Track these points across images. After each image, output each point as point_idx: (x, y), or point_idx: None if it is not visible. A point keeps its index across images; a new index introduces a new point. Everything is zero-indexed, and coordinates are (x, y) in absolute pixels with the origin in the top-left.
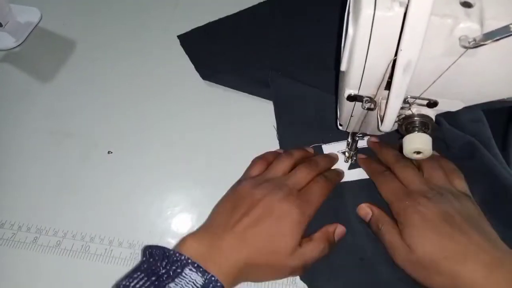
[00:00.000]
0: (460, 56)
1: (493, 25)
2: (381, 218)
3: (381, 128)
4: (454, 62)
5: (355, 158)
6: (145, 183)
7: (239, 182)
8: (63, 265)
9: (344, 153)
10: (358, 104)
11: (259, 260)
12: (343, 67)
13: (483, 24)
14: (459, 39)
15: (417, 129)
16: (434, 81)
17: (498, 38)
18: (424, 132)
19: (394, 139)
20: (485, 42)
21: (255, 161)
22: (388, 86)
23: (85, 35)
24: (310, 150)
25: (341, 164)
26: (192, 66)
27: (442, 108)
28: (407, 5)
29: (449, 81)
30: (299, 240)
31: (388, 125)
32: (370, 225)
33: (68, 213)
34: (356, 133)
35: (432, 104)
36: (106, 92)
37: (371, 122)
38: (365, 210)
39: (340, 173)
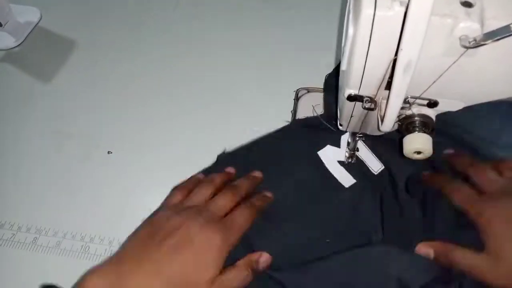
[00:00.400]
0: (460, 56)
1: (493, 25)
2: (445, 248)
3: (381, 128)
4: (454, 62)
5: (354, 158)
6: (145, 183)
7: (155, 212)
8: (63, 265)
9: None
10: (358, 104)
11: None
12: (343, 67)
13: (484, 24)
14: (460, 38)
15: (417, 129)
16: (435, 81)
17: (498, 38)
18: (425, 132)
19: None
20: (486, 42)
21: (174, 190)
22: (389, 86)
23: (85, 35)
24: (231, 170)
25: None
26: (192, 66)
27: (442, 108)
28: (408, 5)
29: (450, 81)
30: (220, 268)
31: (388, 125)
32: (439, 262)
33: (68, 213)
34: (357, 133)
35: (432, 104)
36: (105, 92)
37: (371, 122)
38: (424, 249)
39: (265, 198)
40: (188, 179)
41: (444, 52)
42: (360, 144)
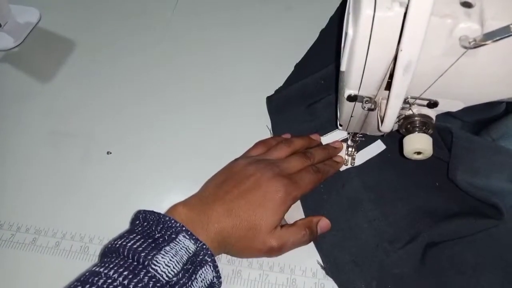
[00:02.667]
0: (460, 57)
1: (493, 25)
2: None
3: (381, 129)
4: (454, 63)
5: (355, 158)
6: (144, 183)
7: (236, 159)
8: (62, 266)
9: (346, 141)
10: (358, 104)
11: (240, 232)
12: (343, 68)
13: (484, 24)
14: (459, 39)
15: (417, 129)
16: (435, 82)
17: (498, 38)
18: (425, 132)
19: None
20: (485, 43)
21: (256, 144)
22: (388, 87)
23: (84, 35)
24: (316, 138)
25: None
26: (191, 66)
27: (442, 108)
28: (407, 5)
29: (449, 82)
30: (280, 219)
31: (388, 125)
32: None
33: (67, 213)
34: (357, 133)
35: (432, 104)
36: (105, 92)
37: (371, 123)
38: None
39: (335, 165)
40: (273, 136)
41: (444, 52)
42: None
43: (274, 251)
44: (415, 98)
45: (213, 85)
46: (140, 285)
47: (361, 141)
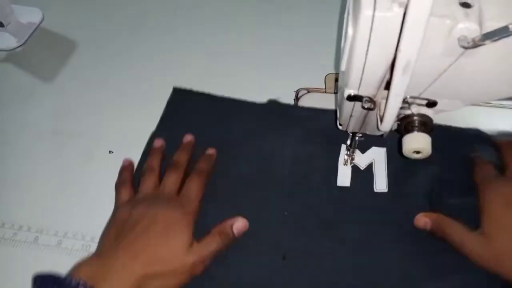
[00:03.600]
0: (459, 57)
1: (492, 25)
2: (443, 221)
3: (380, 128)
4: (453, 63)
5: (353, 160)
6: None
7: (114, 212)
8: (64, 264)
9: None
10: (358, 104)
11: (154, 268)
12: (343, 67)
13: (482, 24)
14: (458, 39)
15: (416, 128)
16: (434, 81)
17: (497, 38)
18: (424, 131)
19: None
20: (484, 43)
21: (118, 187)
22: (388, 86)
23: (87, 35)
24: (159, 143)
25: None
26: (191, 66)
27: (441, 108)
28: (407, 6)
29: (448, 81)
30: (190, 237)
31: (388, 125)
32: (434, 232)
33: (69, 212)
34: (356, 133)
35: (431, 104)
36: (107, 92)
37: (370, 122)
38: (423, 219)
39: (209, 157)
40: (122, 171)
41: (443, 52)
42: (381, 157)
43: (197, 268)
44: (414, 98)
45: (214, 85)
46: None
47: (360, 140)
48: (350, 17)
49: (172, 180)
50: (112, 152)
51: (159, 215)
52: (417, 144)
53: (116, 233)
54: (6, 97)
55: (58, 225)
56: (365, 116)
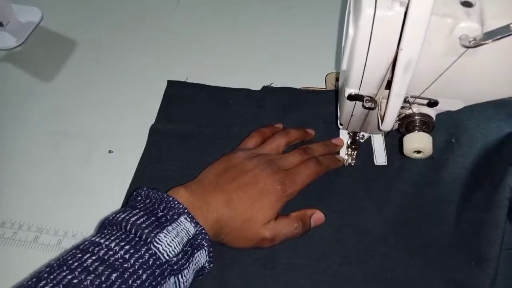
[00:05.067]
0: (460, 56)
1: (493, 24)
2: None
3: (381, 128)
4: (454, 62)
5: (355, 157)
6: None
7: (234, 151)
8: None
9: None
10: (359, 103)
11: (236, 222)
12: (343, 67)
13: (484, 23)
14: (460, 38)
15: (417, 128)
16: (435, 81)
17: (498, 37)
18: (425, 131)
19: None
20: (486, 42)
21: (252, 134)
22: (389, 86)
23: (86, 34)
24: (311, 132)
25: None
26: (191, 66)
27: (442, 107)
28: (408, 5)
29: (450, 81)
30: (275, 214)
31: (389, 124)
32: None
33: (69, 212)
34: (357, 132)
35: (432, 103)
36: (106, 91)
37: (371, 122)
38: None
39: (336, 160)
40: (268, 126)
41: (444, 51)
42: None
43: (267, 242)
44: (415, 97)
45: (213, 84)
46: (140, 260)
47: (361, 140)
48: (351, 16)
49: (295, 160)
50: (112, 152)
51: (263, 177)
52: (418, 143)
53: (223, 171)
54: (5, 96)
55: (58, 225)
56: (366, 116)
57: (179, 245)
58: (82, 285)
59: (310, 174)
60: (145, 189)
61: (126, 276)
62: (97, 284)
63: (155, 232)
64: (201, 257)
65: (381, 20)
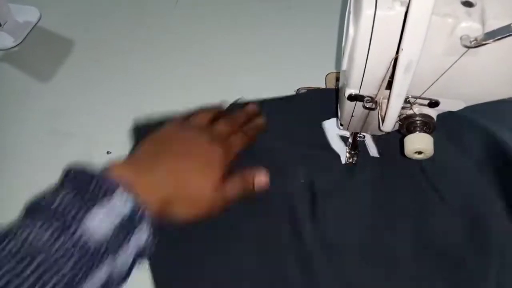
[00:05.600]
0: (461, 56)
1: (494, 24)
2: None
3: (382, 128)
4: (455, 62)
5: (356, 158)
6: None
7: (163, 128)
8: None
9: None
10: (359, 104)
11: (183, 192)
12: (344, 67)
13: (485, 23)
14: (461, 38)
15: (418, 129)
16: (436, 81)
17: (499, 37)
18: (426, 132)
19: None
20: (487, 42)
21: (176, 117)
22: (389, 86)
23: (84, 34)
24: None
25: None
26: (191, 66)
27: (443, 108)
28: (408, 5)
29: (451, 81)
30: (219, 179)
31: (389, 125)
32: None
33: None
34: (358, 133)
35: (433, 103)
36: (104, 92)
37: (372, 122)
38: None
39: (258, 125)
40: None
41: (445, 51)
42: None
43: (217, 207)
44: (416, 98)
45: (213, 85)
46: (67, 244)
47: (361, 140)
48: (351, 16)
49: (224, 127)
50: (110, 153)
51: (204, 145)
52: (419, 144)
53: (158, 145)
54: (3, 96)
55: None
56: (367, 116)
57: (113, 223)
58: None
59: (241, 143)
60: (72, 167)
61: (50, 263)
62: (15, 273)
63: (82, 211)
64: (142, 234)
65: (381, 20)
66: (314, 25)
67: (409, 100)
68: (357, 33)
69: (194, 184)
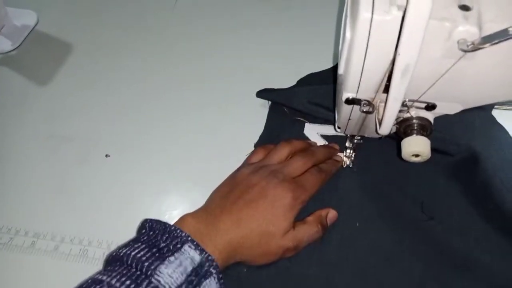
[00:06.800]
0: (458, 60)
1: (491, 28)
2: None
3: (379, 131)
4: (452, 66)
5: (353, 160)
6: (143, 186)
7: (238, 169)
8: (61, 269)
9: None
10: (356, 107)
11: (252, 240)
12: (341, 71)
13: (482, 27)
14: (458, 42)
15: (415, 132)
16: (433, 85)
17: (496, 41)
18: (423, 135)
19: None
20: (484, 46)
21: (256, 150)
22: (386, 90)
23: (82, 37)
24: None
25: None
26: (190, 68)
27: (440, 111)
28: (405, 9)
29: (448, 84)
30: (292, 223)
31: (386, 128)
32: None
33: (66, 217)
34: (355, 136)
35: (430, 107)
36: (102, 95)
37: (369, 125)
38: None
39: (337, 164)
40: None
41: (442, 55)
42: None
43: (290, 251)
44: (413, 101)
45: (213, 87)
46: None
47: (359, 143)
48: (348, 20)
49: (298, 165)
50: (109, 156)
51: (271, 188)
52: (416, 147)
53: (228, 192)
54: (1, 100)
55: (55, 230)
56: (364, 120)
57: (182, 275)
58: None
59: (316, 181)
60: (148, 220)
61: None
62: None
63: (155, 264)
64: (211, 285)
65: (378, 24)
66: (314, 25)
67: (406, 104)
68: (354, 37)
69: (262, 232)
